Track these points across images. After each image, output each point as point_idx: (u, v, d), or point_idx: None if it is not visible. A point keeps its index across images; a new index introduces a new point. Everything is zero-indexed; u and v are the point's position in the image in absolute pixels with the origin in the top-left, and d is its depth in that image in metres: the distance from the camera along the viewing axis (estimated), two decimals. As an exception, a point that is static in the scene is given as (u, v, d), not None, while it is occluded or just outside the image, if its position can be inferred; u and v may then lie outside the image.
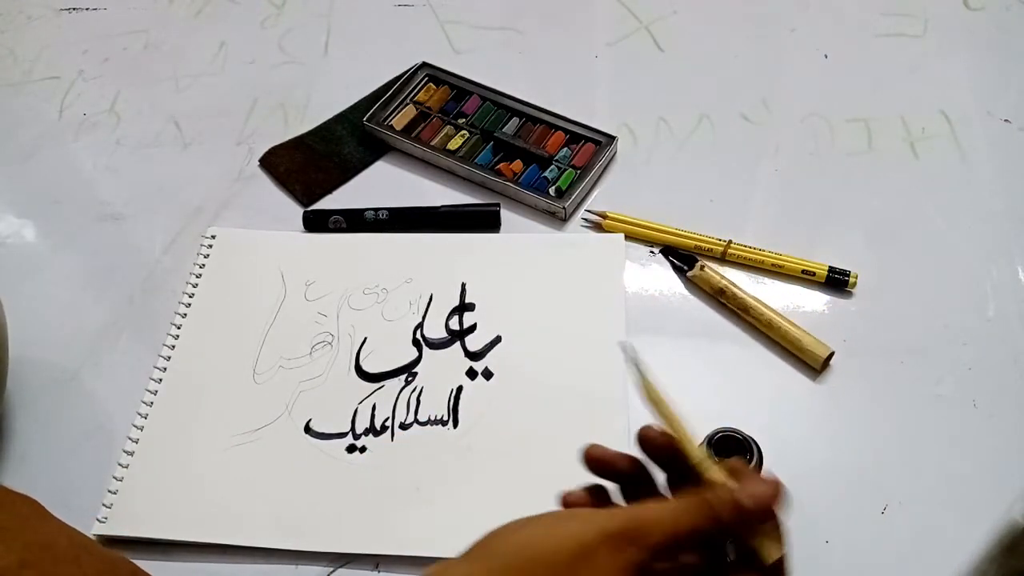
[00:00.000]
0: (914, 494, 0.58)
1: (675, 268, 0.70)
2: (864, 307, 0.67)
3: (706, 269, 0.68)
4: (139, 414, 0.63)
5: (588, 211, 0.73)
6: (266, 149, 0.79)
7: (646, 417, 0.61)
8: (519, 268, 0.70)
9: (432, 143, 0.77)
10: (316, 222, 0.73)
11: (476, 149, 0.76)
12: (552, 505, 0.50)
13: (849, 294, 0.67)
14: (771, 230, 0.71)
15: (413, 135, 0.78)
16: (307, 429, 0.62)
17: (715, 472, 0.40)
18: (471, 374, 0.64)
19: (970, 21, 0.86)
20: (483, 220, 0.73)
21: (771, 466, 0.55)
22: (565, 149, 0.76)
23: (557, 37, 0.87)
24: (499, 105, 0.79)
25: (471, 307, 0.68)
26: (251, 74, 0.86)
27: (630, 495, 0.42)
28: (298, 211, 0.74)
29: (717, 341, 0.66)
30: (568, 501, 0.42)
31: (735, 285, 0.67)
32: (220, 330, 0.68)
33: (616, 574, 0.36)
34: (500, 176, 0.74)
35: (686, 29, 0.87)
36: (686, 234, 0.70)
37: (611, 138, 0.76)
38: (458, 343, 0.66)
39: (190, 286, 0.70)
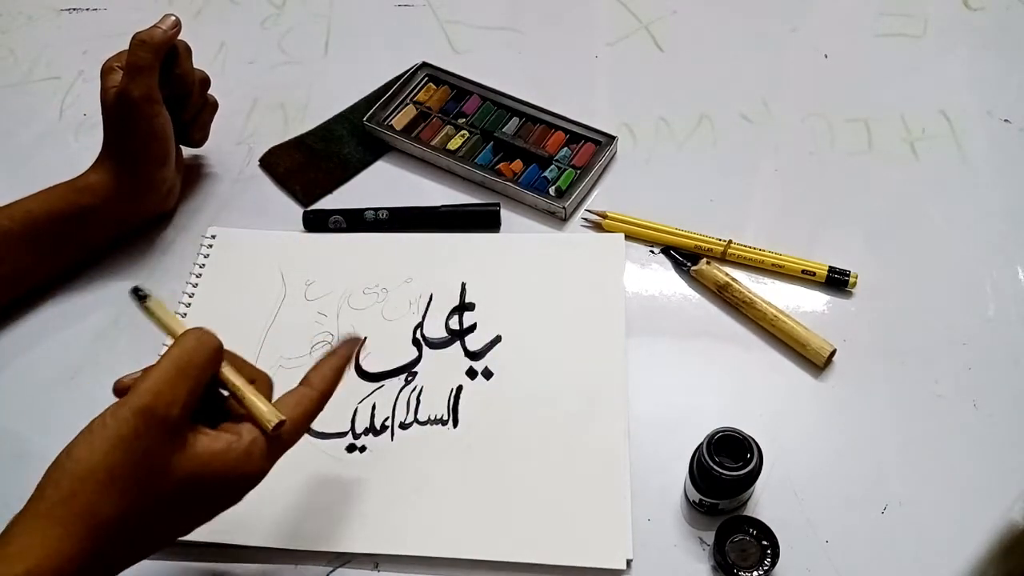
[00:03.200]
0: (914, 494, 0.58)
1: (678, 264, 0.70)
2: (864, 307, 0.67)
3: (711, 264, 0.68)
4: (139, 414, 0.63)
5: (588, 211, 0.73)
6: (266, 149, 0.79)
7: (646, 417, 0.61)
8: (519, 268, 0.70)
9: (432, 143, 0.77)
10: (316, 222, 0.73)
11: (476, 149, 0.76)
12: (549, 507, 0.50)
13: (849, 294, 0.67)
14: (771, 230, 0.71)
15: (413, 135, 0.78)
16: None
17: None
18: (471, 374, 0.64)
19: (970, 21, 0.86)
20: (483, 220, 0.73)
21: (771, 465, 0.55)
22: (565, 149, 0.76)
23: (557, 37, 0.87)
24: (499, 105, 0.79)
25: (471, 307, 0.68)
26: (251, 74, 0.86)
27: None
28: (298, 211, 0.74)
29: (717, 340, 0.66)
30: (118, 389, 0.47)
31: (738, 281, 0.67)
32: (220, 330, 0.67)
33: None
34: (500, 176, 0.74)
35: (686, 29, 0.87)
36: (686, 234, 0.70)
37: (611, 138, 0.76)
38: (458, 343, 0.66)
39: (190, 286, 0.70)
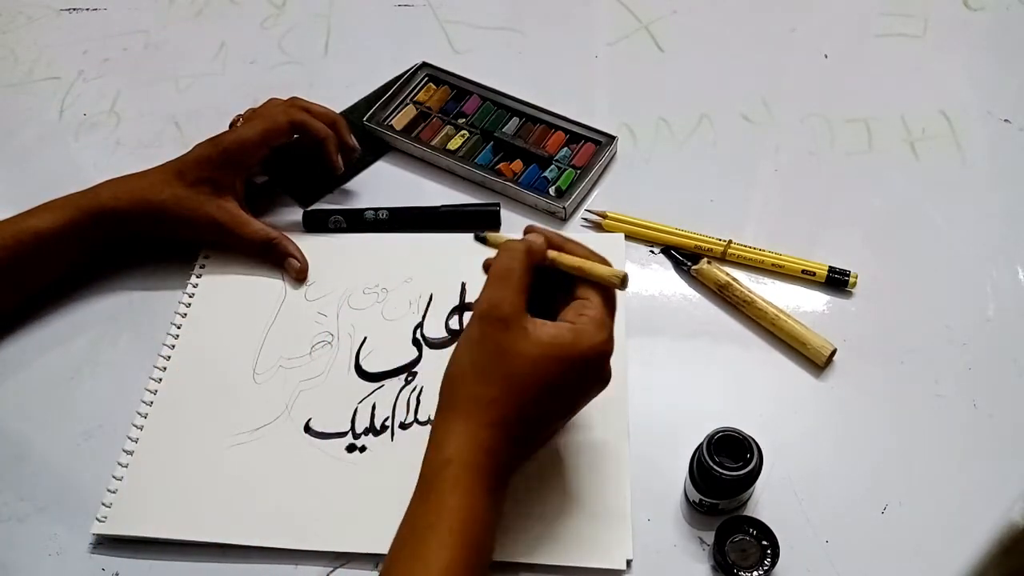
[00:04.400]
0: (914, 494, 0.58)
1: (678, 264, 0.70)
2: (864, 307, 0.67)
3: (711, 264, 0.68)
4: (139, 414, 0.63)
5: (588, 211, 0.73)
6: (266, 149, 0.79)
7: (646, 417, 0.61)
8: (519, 268, 0.70)
9: (432, 143, 0.77)
10: (316, 222, 0.73)
11: (476, 149, 0.76)
12: (549, 507, 0.49)
13: (849, 294, 0.67)
14: (771, 230, 0.71)
15: (413, 135, 0.78)
16: (307, 429, 0.62)
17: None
18: (471, 374, 0.64)
19: (970, 21, 0.86)
20: (483, 220, 0.72)
21: (771, 465, 0.55)
22: (565, 149, 0.76)
23: (557, 37, 0.87)
24: (499, 105, 0.79)
25: (471, 307, 0.67)
26: (251, 74, 0.86)
27: None
28: (298, 211, 0.74)
29: (717, 340, 0.66)
30: None
31: (738, 281, 0.67)
32: (220, 330, 0.68)
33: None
34: (500, 176, 0.74)
35: (686, 29, 0.87)
36: (686, 234, 0.70)
37: (611, 138, 0.76)
38: (458, 343, 0.66)
39: (191, 286, 0.70)
